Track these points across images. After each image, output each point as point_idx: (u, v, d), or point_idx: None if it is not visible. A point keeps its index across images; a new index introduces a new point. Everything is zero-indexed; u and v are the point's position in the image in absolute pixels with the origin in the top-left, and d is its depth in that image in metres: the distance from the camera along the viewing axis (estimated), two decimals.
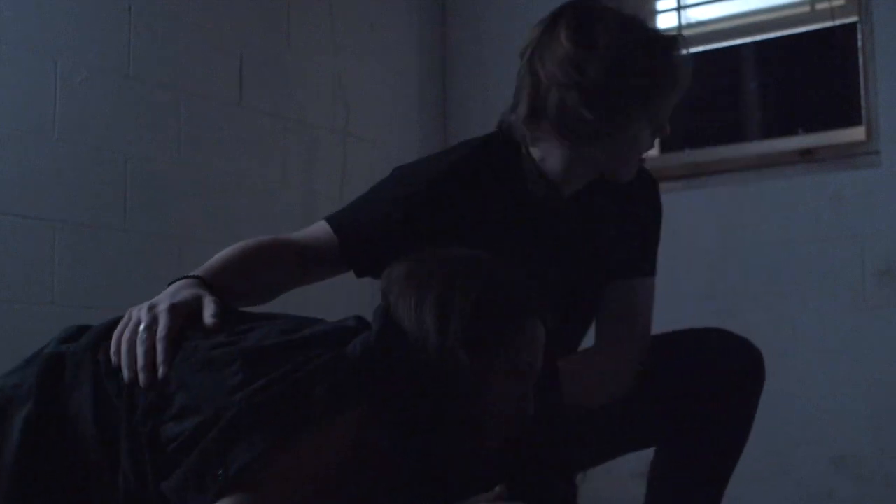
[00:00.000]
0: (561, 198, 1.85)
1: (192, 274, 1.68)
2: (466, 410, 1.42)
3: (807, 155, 3.42)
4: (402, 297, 1.46)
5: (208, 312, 1.54)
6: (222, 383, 1.38)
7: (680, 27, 3.69)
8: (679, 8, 3.71)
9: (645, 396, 1.82)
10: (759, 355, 1.82)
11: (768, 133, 3.87)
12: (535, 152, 1.84)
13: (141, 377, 1.44)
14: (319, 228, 1.90)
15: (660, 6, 3.75)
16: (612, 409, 1.84)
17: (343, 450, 1.37)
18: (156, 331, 1.47)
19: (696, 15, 3.72)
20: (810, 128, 3.53)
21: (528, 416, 1.48)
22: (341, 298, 2.68)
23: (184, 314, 1.51)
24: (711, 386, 1.77)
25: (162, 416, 1.40)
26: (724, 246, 3.40)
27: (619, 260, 1.89)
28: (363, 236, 1.84)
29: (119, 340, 1.48)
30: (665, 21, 3.74)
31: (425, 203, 1.81)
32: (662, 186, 2.03)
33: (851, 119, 3.40)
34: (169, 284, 1.62)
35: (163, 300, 1.53)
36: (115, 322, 1.55)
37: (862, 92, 3.33)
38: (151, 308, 1.51)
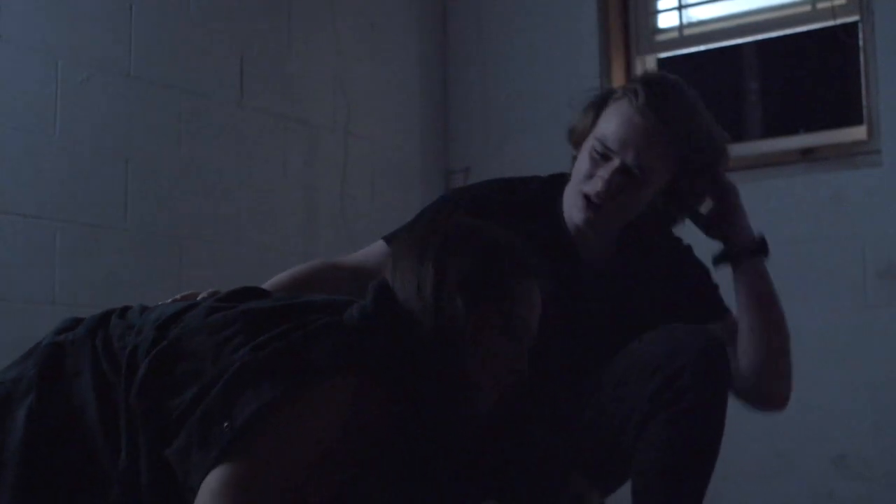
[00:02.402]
0: (585, 244, 1.94)
1: None
2: (460, 366, 1.44)
3: (808, 154, 3.42)
4: (402, 261, 1.50)
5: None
6: (224, 344, 1.39)
7: (680, 26, 3.69)
8: (680, 7, 3.70)
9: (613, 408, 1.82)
10: (717, 351, 1.78)
11: (769, 132, 3.88)
12: None
13: None
14: (374, 247, 1.99)
15: (660, 6, 3.75)
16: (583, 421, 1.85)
17: (339, 416, 1.38)
18: None
19: (696, 14, 3.72)
20: (811, 127, 3.53)
21: (522, 378, 1.50)
22: None
23: None
24: (673, 389, 1.74)
25: (162, 387, 1.41)
26: None
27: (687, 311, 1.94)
28: None
29: None
30: (666, 20, 3.74)
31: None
32: None
33: (852, 118, 3.40)
34: None
35: None
36: (111, 310, 1.59)
37: (863, 91, 3.32)
38: None
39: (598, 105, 1.93)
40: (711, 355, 1.77)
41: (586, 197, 1.88)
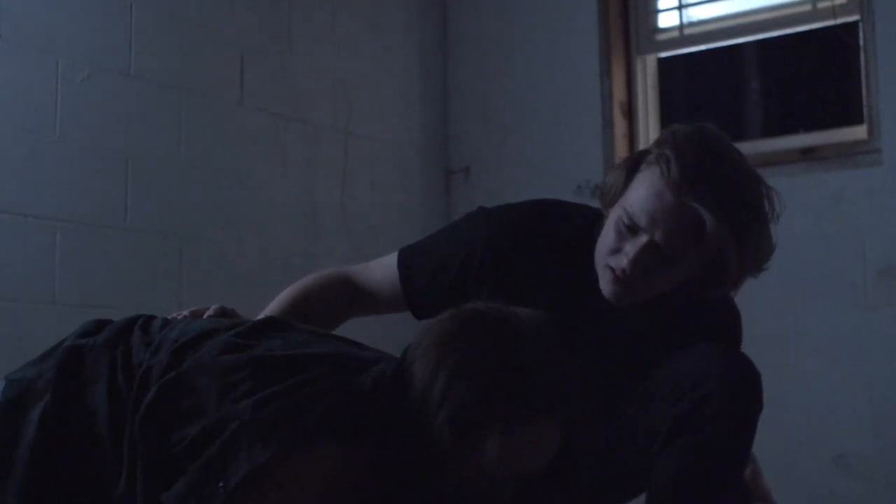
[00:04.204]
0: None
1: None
2: (430, 468, 1.41)
3: (808, 154, 3.42)
4: (426, 352, 1.43)
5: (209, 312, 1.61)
6: (230, 389, 1.40)
7: (680, 26, 3.69)
8: (680, 7, 3.70)
9: (637, 428, 1.75)
10: (748, 378, 1.71)
11: (769, 132, 3.88)
12: None
13: None
14: (392, 267, 1.89)
15: (661, 5, 3.75)
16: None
17: (324, 481, 1.38)
18: None
19: (697, 14, 3.72)
20: (811, 126, 3.53)
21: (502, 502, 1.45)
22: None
23: None
24: (699, 414, 1.67)
25: (166, 418, 1.42)
26: None
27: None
28: (422, 283, 1.83)
29: None
30: (666, 20, 3.74)
31: (484, 257, 1.79)
32: None
33: (853, 118, 3.40)
34: None
35: None
36: (136, 318, 1.59)
37: (863, 90, 3.32)
38: None
39: (630, 168, 1.73)
40: (741, 383, 1.69)
41: (613, 270, 1.70)
